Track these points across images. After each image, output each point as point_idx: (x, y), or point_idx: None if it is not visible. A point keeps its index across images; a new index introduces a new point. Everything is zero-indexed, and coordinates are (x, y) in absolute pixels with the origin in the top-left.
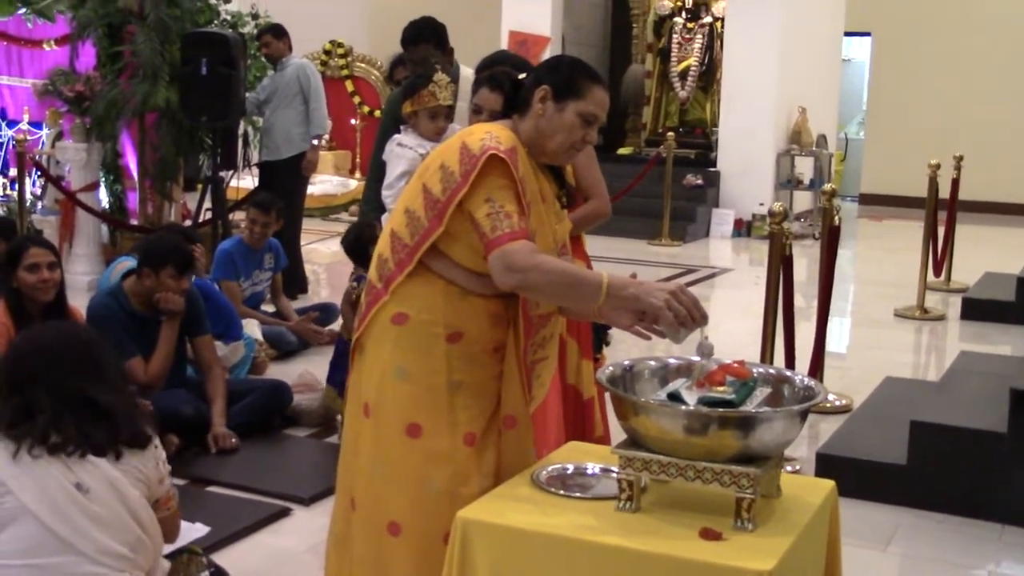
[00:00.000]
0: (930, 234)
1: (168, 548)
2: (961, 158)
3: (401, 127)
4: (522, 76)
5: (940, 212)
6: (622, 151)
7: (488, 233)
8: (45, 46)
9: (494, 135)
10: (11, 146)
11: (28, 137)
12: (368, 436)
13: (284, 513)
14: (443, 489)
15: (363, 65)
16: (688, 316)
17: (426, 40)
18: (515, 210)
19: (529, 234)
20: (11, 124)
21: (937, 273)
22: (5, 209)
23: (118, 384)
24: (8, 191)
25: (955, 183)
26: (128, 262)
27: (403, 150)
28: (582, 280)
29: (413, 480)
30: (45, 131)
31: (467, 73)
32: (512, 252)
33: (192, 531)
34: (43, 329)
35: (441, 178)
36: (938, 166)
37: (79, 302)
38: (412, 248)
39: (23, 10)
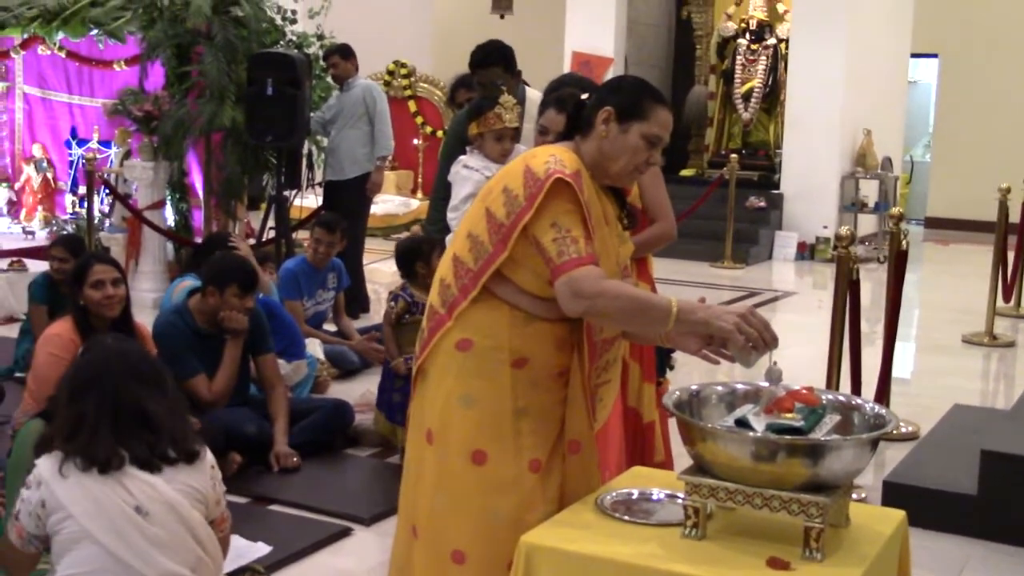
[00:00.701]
0: (1000, 259)
1: (229, 566)
2: None
3: (467, 148)
4: (585, 97)
5: (1010, 236)
6: (685, 172)
7: (555, 258)
8: (115, 66)
9: (558, 158)
10: (81, 165)
11: (97, 156)
12: (431, 463)
13: (345, 533)
14: (508, 517)
15: (426, 86)
16: (759, 339)
17: (495, 63)
18: (582, 235)
19: (596, 259)
20: (81, 143)
21: (1007, 299)
22: (74, 226)
23: (172, 399)
24: (77, 209)
25: None
26: (189, 281)
27: (469, 172)
28: (651, 305)
29: (477, 508)
30: (114, 150)
31: (534, 95)
32: (580, 278)
33: (253, 550)
34: (102, 342)
35: (505, 202)
36: (1008, 190)
37: (145, 319)
38: (476, 273)
39: (95, 31)
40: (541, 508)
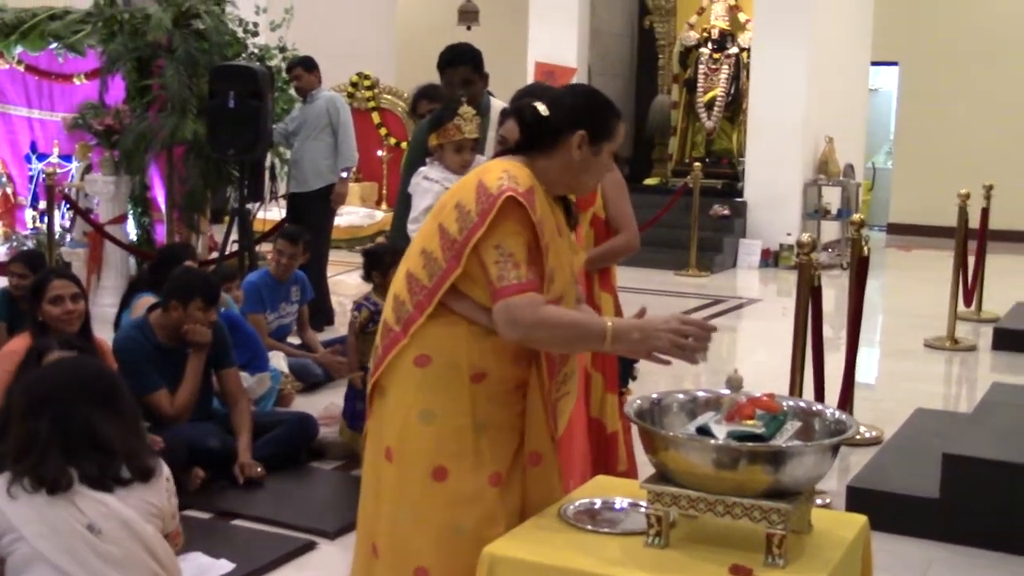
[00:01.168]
0: (960, 264)
1: None
2: (991, 187)
3: (427, 159)
4: (545, 112)
5: (970, 241)
6: (649, 182)
7: (495, 282)
8: (75, 80)
9: (511, 174)
10: (41, 179)
11: (58, 170)
12: (391, 481)
13: (310, 547)
14: (470, 532)
15: (390, 97)
16: (696, 345)
17: (464, 62)
18: (523, 259)
19: (538, 284)
20: (41, 157)
21: (968, 303)
22: (35, 242)
23: (127, 418)
24: (38, 224)
25: (985, 212)
26: (148, 298)
27: (429, 184)
28: (587, 331)
29: (439, 524)
30: (74, 164)
31: (498, 105)
32: (518, 306)
33: (216, 567)
34: (63, 361)
35: (457, 217)
36: (968, 195)
37: (107, 334)
38: (431, 290)
39: (54, 45)
40: (503, 522)
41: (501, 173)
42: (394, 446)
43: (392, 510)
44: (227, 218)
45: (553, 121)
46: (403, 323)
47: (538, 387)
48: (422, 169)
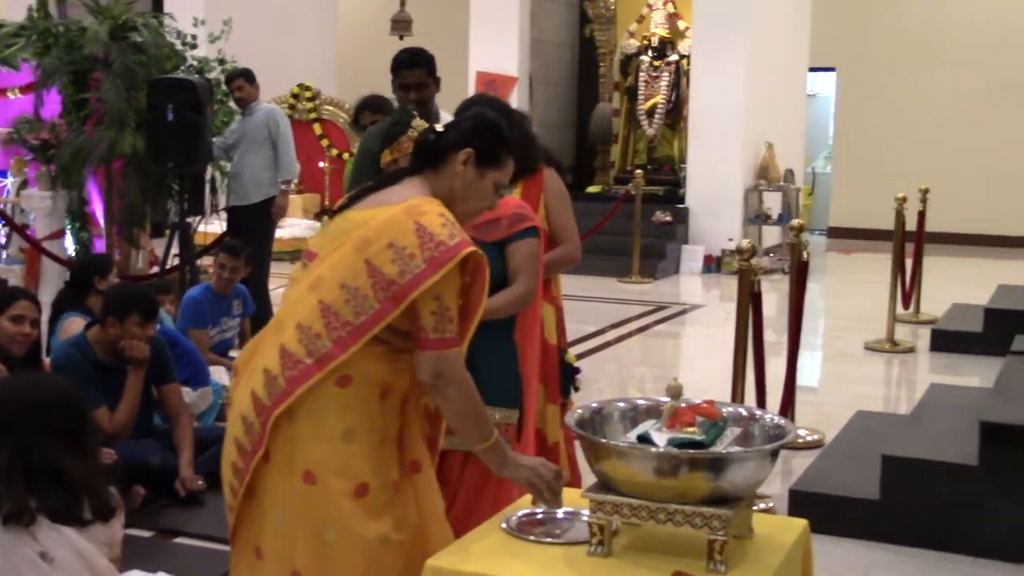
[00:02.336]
0: (898, 267)
1: None
2: (927, 191)
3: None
4: (440, 129)
5: (908, 244)
6: (591, 189)
7: (429, 331)
8: (10, 94)
9: (449, 218)
10: None
11: None
12: (312, 503)
13: None
14: (394, 541)
15: (331, 108)
16: (548, 491)
17: (419, 65)
18: (456, 314)
19: (460, 338)
20: None
21: (906, 305)
22: None
23: (90, 450)
24: None
25: (921, 215)
26: (74, 318)
27: None
28: (480, 422)
29: (367, 539)
30: (10, 179)
31: (447, 117)
32: (449, 360)
33: None
34: (27, 379)
35: (394, 259)
36: (904, 199)
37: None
38: (358, 328)
39: None
40: (408, 525)
41: (438, 217)
42: (316, 468)
43: (317, 534)
44: (168, 232)
45: (445, 138)
46: (319, 358)
47: (415, 397)
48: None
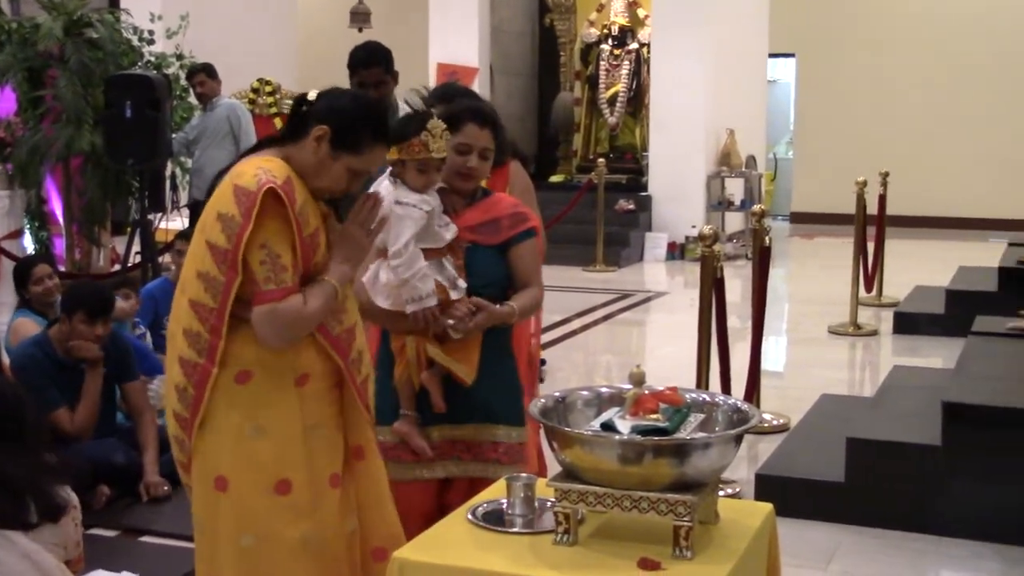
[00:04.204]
0: (860, 250)
1: None
2: (887, 174)
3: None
4: (311, 97)
5: (869, 228)
6: (554, 179)
7: (260, 283)
8: None
9: (265, 168)
10: None
11: None
12: (228, 511)
13: None
14: (321, 539)
15: (292, 102)
16: (367, 218)
17: (377, 63)
18: (290, 262)
19: (298, 287)
20: None
21: (868, 289)
22: None
23: (36, 451)
24: None
25: (882, 199)
26: (22, 318)
27: (407, 209)
28: (328, 299)
29: (290, 540)
30: None
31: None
32: (284, 312)
33: None
34: None
35: (223, 228)
36: (865, 183)
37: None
38: (219, 310)
39: None
40: (350, 520)
41: (255, 171)
42: (228, 472)
43: (234, 540)
44: (129, 229)
45: (309, 109)
46: (207, 353)
47: (350, 380)
48: (390, 191)
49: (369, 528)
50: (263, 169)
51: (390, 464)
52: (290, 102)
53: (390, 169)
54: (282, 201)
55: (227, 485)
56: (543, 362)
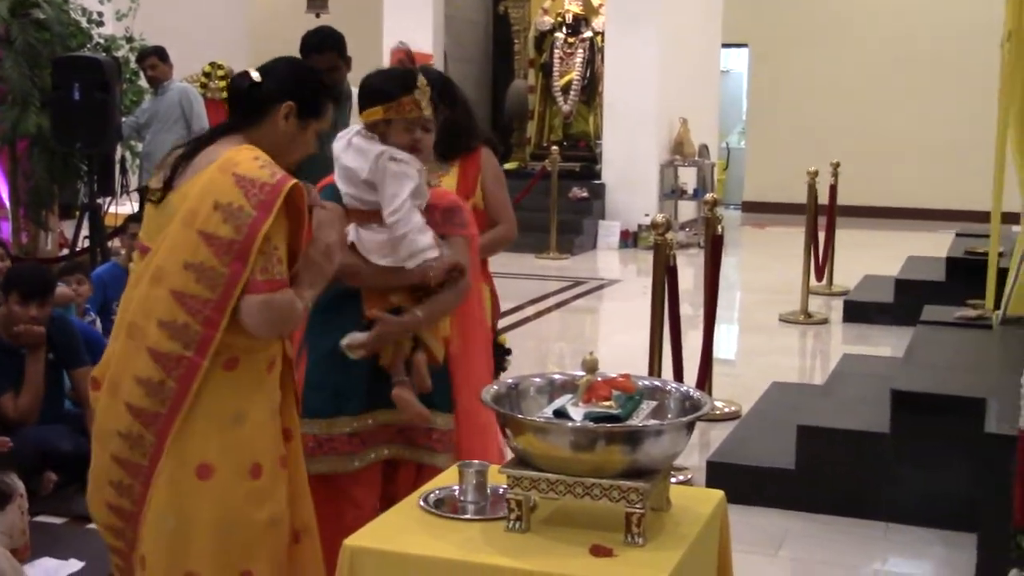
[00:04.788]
0: (811, 240)
1: None
2: (838, 164)
3: (359, 132)
4: (257, 79)
5: (820, 218)
6: (508, 166)
7: (257, 273)
8: None
9: (265, 159)
10: None
11: None
12: (208, 498)
13: None
14: (280, 520)
15: (232, 88)
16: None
17: (330, 48)
18: (284, 255)
19: (288, 281)
20: None
21: (819, 278)
22: None
23: None
24: None
25: (833, 189)
26: None
27: (402, 166)
28: (305, 309)
29: (261, 523)
30: None
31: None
32: (280, 305)
33: (65, 567)
34: None
35: (225, 218)
36: (816, 173)
37: None
38: (219, 301)
39: None
40: (287, 501)
41: (254, 161)
42: (215, 459)
43: (210, 526)
44: (77, 213)
45: (264, 90)
46: (197, 347)
47: (284, 361)
48: (384, 148)
49: (296, 511)
50: (262, 159)
51: (329, 458)
52: None
53: (361, 127)
54: (302, 198)
55: (212, 472)
56: (508, 351)
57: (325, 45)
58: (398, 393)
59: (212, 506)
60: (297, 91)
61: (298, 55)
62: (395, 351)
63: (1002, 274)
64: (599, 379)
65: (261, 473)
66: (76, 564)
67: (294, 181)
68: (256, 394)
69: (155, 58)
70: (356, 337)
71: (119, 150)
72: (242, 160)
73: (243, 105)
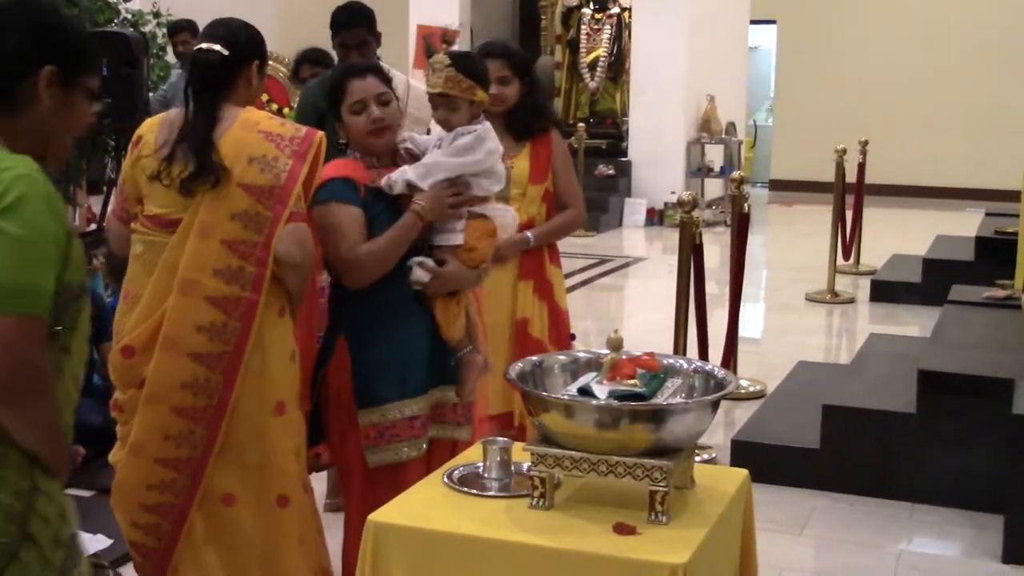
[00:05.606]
0: (838, 218)
1: None
2: (866, 142)
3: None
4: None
5: (848, 196)
6: None
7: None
8: None
9: (276, 118)
10: None
11: None
12: (281, 431)
13: None
14: (303, 453)
15: (271, 63)
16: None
17: (359, 24)
18: (302, 191)
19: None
20: None
21: (846, 257)
22: None
23: None
24: None
25: (861, 167)
26: None
27: (485, 130)
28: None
29: (303, 456)
30: None
31: (395, 74)
32: (304, 231)
33: (94, 542)
34: None
35: (262, 168)
36: (844, 151)
37: None
38: (265, 241)
39: None
40: None
41: (269, 119)
42: (285, 396)
43: (286, 456)
44: (104, 188)
45: (231, 56)
46: (252, 285)
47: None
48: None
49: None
50: (282, 119)
51: (392, 446)
52: (270, 62)
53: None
54: (323, 148)
55: (285, 409)
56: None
57: (354, 21)
58: (470, 359)
59: (286, 439)
60: (261, 48)
61: (327, 30)
62: (454, 322)
63: None
64: (624, 357)
65: (295, 407)
66: (105, 541)
67: (321, 132)
68: (295, 335)
69: (186, 33)
70: (428, 261)
71: None
72: (260, 119)
73: (215, 76)
